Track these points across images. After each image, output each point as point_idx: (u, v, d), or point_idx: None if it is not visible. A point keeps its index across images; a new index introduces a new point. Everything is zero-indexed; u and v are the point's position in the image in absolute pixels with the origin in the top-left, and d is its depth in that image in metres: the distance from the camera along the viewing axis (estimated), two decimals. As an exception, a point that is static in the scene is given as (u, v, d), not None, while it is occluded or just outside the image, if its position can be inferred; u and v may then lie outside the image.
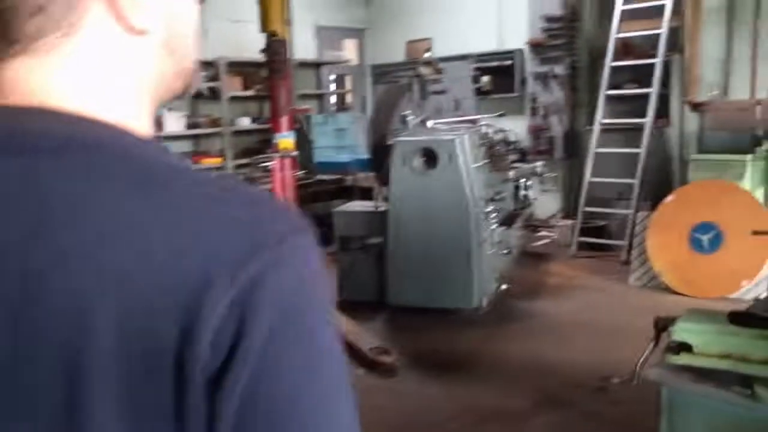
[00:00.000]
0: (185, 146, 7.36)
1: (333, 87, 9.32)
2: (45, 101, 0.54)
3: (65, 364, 0.49)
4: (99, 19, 0.56)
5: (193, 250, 0.50)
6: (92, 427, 0.49)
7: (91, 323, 0.48)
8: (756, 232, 3.92)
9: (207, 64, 6.97)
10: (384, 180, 5.13)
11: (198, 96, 7.17)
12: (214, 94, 7.22)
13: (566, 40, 7.70)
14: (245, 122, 7.57)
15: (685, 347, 1.57)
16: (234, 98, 7.36)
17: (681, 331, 1.58)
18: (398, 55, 9.04)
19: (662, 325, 1.64)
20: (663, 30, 6.48)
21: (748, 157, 5.35)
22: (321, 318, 0.54)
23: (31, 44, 0.55)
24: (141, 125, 0.59)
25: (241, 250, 0.50)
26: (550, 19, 7.69)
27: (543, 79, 7.91)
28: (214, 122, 7.34)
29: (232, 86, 7.35)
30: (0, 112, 0.54)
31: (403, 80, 6.52)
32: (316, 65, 8.72)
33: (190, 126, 7.24)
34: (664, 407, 1.60)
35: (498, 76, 8.06)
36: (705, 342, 1.54)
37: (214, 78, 7.16)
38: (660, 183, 6.58)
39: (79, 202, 0.50)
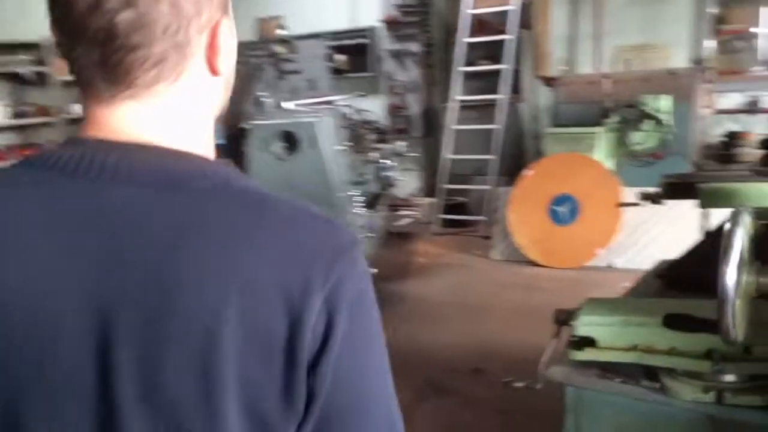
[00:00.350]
0: (10, 139, 6.56)
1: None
2: (151, 139, 0.68)
3: (199, 363, 0.61)
4: (198, 65, 0.70)
5: (295, 260, 0.64)
6: (225, 415, 0.62)
7: (220, 326, 0.61)
8: (620, 204, 4.02)
9: (30, 46, 6.22)
10: (241, 167, 4.79)
11: (22, 81, 6.40)
12: (41, 80, 6.47)
13: (420, 17, 7.64)
14: (80, 109, 6.86)
15: (588, 341, 1.46)
16: (67, 83, 6.64)
17: (583, 325, 1.47)
18: (249, 34, 8.59)
19: (563, 318, 1.52)
20: (513, 7, 6.57)
21: (598, 129, 5.55)
22: (374, 310, 0.70)
23: (144, 91, 0.67)
24: (211, 145, 0.75)
25: (327, 258, 0.66)
26: (403, -4, 7.60)
27: (398, 57, 7.82)
28: (44, 111, 6.59)
29: (63, 70, 6.61)
30: (120, 149, 0.66)
31: (255, 60, 6.14)
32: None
33: (17, 115, 6.46)
34: (569, 407, 1.49)
35: (353, 54, 7.86)
36: (609, 334, 1.43)
37: (41, 62, 6.41)
38: (516, 157, 6.72)
39: (204, 226, 0.64)
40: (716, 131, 6.02)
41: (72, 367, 0.62)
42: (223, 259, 0.63)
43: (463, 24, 6.80)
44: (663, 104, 5.29)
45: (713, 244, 1.30)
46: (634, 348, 1.41)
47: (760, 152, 2.62)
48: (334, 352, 0.65)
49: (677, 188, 2.79)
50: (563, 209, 5.38)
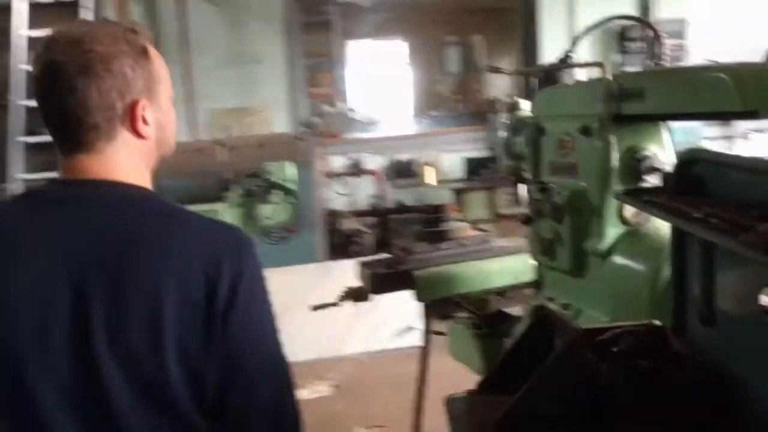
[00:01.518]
0: None
1: None
2: (105, 177, 1.11)
3: (150, 322, 1.02)
4: (125, 131, 1.12)
5: (211, 251, 1.08)
6: (168, 355, 1.02)
7: (163, 295, 1.03)
8: (315, 308, 3.25)
9: None
10: None
11: None
12: None
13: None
14: None
15: None
16: None
17: None
18: None
19: None
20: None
21: (220, 205, 4.70)
22: (266, 289, 1.13)
23: (89, 148, 1.10)
24: (148, 183, 1.17)
25: (233, 250, 1.10)
26: None
27: None
28: None
29: None
30: (86, 184, 1.11)
31: None
32: None
33: None
34: None
35: None
36: None
37: None
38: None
39: (147, 233, 1.08)
40: (331, 197, 5.79)
41: (61, 329, 1.02)
42: (163, 253, 1.06)
43: (17, 83, 5.26)
44: (289, 172, 4.75)
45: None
46: None
47: (465, 225, 2.32)
48: (237, 312, 1.06)
49: (389, 279, 2.17)
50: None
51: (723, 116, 1.46)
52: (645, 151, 1.73)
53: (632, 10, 5.93)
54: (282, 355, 1.13)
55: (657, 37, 2.07)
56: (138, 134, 1.12)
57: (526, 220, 1.89)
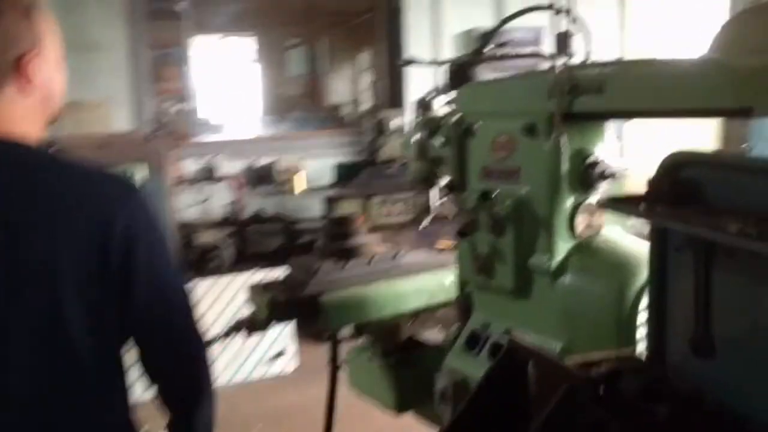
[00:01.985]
0: None
1: None
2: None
3: (46, 276, 1.13)
4: (12, 88, 1.17)
5: (102, 195, 1.18)
6: (66, 309, 1.14)
7: (58, 242, 1.13)
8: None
9: None
10: None
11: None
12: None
13: None
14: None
15: None
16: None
17: None
18: None
19: None
20: None
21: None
22: (160, 229, 1.26)
23: None
24: (38, 134, 1.22)
25: (124, 191, 1.21)
26: None
27: None
28: None
29: None
30: None
31: None
32: None
33: None
34: None
35: None
36: None
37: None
38: None
39: (44, 186, 1.15)
40: (186, 206, 5.22)
41: None
42: (61, 202, 1.15)
43: None
44: (136, 178, 4.17)
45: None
46: None
47: (373, 237, 2.00)
48: (142, 248, 1.20)
49: (291, 306, 1.86)
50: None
51: (708, 113, 1.28)
52: (593, 155, 1.53)
53: (490, 14, 5.97)
54: (182, 288, 1.30)
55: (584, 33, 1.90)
56: (24, 88, 1.19)
57: (462, 233, 1.62)
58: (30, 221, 1.13)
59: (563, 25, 1.66)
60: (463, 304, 1.78)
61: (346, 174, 4.32)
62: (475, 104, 1.76)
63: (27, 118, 1.20)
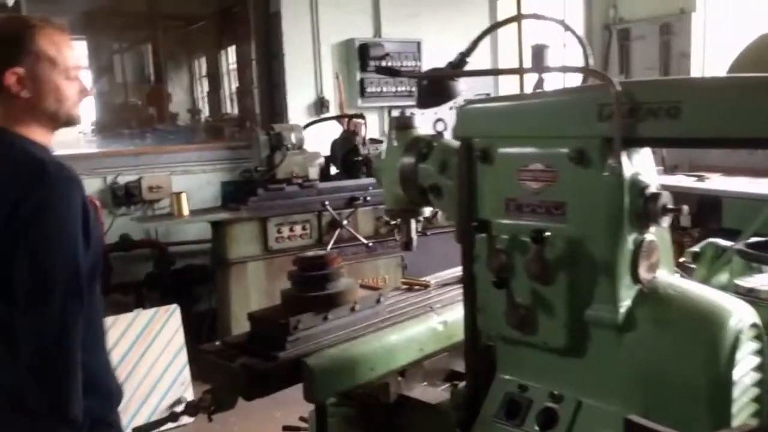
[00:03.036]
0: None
1: None
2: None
3: None
4: (6, 93, 1.56)
5: (17, 180, 1.51)
6: None
7: None
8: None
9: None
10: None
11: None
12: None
13: None
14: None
15: None
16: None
17: None
18: None
19: None
20: None
21: None
22: (62, 213, 1.49)
23: None
24: (42, 137, 1.61)
25: (35, 180, 1.49)
26: None
27: None
28: None
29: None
30: None
31: None
32: None
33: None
34: None
35: None
36: None
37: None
38: None
39: None
40: None
41: None
42: None
43: None
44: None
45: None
46: None
47: (353, 283, 1.62)
48: (38, 223, 1.46)
49: (271, 376, 1.54)
50: None
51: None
52: (651, 185, 1.32)
53: (368, 29, 5.77)
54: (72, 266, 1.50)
55: (581, 44, 1.72)
56: (18, 96, 1.58)
57: (498, 282, 1.35)
58: None
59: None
60: (483, 360, 1.50)
61: (232, 193, 3.89)
62: (488, 126, 1.50)
63: (26, 119, 1.62)
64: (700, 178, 4.73)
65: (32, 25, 1.58)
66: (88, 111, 9.11)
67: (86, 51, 9.92)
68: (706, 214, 3.93)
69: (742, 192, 3.99)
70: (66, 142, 7.40)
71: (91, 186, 4.81)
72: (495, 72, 2.58)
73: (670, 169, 5.15)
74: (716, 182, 4.55)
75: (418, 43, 5.79)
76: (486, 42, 1.82)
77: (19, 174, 1.50)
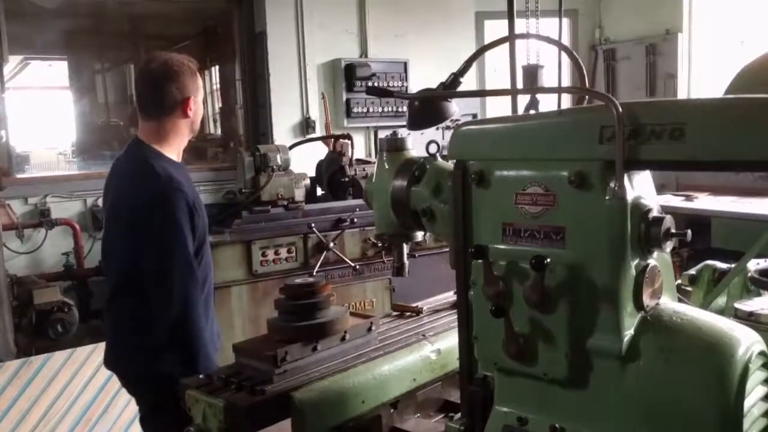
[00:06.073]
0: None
1: None
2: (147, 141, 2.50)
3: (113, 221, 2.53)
4: (178, 111, 2.47)
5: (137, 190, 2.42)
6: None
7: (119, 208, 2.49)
8: None
9: None
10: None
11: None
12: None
13: None
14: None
15: None
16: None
17: None
18: None
19: None
20: None
21: None
22: (173, 221, 2.35)
23: (148, 120, 2.50)
24: (175, 153, 2.52)
25: (150, 191, 2.36)
26: None
27: None
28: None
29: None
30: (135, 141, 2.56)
31: None
32: None
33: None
34: None
35: None
36: None
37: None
38: None
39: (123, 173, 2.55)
40: None
41: None
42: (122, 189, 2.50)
43: None
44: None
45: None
46: None
47: (343, 310, 1.57)
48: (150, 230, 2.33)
49: (260, 412, 1.47)
50: None
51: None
52: (653, 209, 1.28)
53: (354, 48, 5.74)
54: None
55: (577, 65, 1.68)
56: (186, 116, 2.49)
57: (497, 311, 1.29)
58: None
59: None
60: (479, 391, 1.44)
61: (215, 216, 3.81)
62: (484, 148, 1.45)
63: (176, 136, 2.51)
64: (689, 198, 4.71)
65: (192, 59, 2.44)
66: (68, 132, 9.02)
67: (67, 71, 9.84)
68: (695, 234, 3.90)
69: (733, 212, 3.97)
70: (46, 164, 7.30)
71: (71, 209, 4.72)
72: (489, 93, 2.55)
73: (657, 188, 5.14)
74: (705, 202, 4.53)
75: (405, 63, 5.77)
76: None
77: (144, 184, 2.34)
